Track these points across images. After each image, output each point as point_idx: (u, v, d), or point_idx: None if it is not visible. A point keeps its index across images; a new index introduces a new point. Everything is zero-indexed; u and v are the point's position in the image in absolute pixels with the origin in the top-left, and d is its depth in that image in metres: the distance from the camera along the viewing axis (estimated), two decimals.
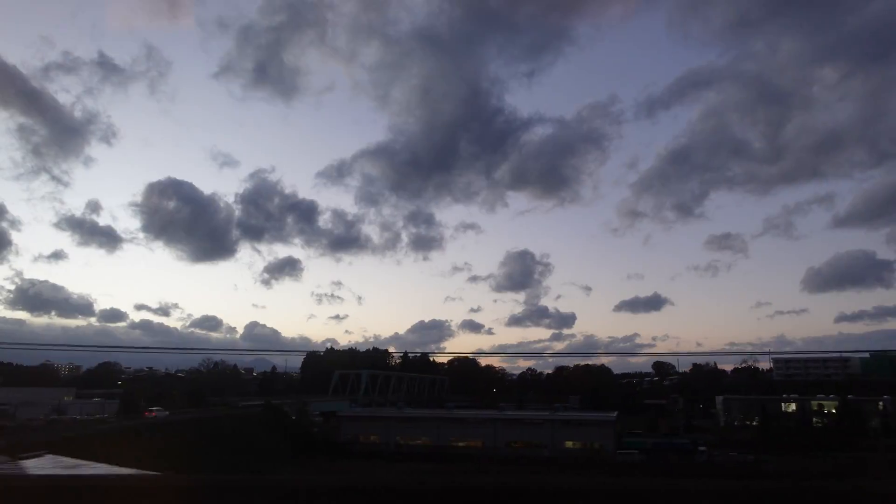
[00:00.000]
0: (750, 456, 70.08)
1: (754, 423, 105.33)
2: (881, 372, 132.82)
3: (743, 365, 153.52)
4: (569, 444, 77.19)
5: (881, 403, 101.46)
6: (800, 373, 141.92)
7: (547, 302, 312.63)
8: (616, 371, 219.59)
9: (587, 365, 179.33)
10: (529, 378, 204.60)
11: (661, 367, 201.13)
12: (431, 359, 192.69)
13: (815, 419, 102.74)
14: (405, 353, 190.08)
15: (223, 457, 61.04)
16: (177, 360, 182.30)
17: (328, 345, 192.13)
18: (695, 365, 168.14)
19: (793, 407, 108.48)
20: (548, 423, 79.57)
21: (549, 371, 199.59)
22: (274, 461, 65.84)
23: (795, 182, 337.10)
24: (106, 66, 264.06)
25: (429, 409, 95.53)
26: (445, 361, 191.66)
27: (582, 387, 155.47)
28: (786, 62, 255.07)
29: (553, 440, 77.55)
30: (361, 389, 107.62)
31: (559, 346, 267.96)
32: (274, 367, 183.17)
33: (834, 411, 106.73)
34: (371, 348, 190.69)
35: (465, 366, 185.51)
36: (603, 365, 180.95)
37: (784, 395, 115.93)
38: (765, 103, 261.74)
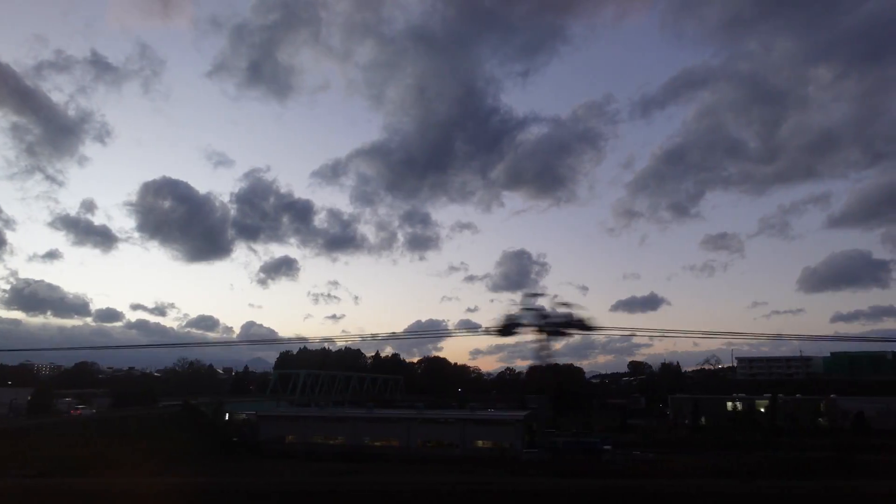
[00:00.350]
0: (650, 454, 69.76)
1: (701, 422, 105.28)
2: (841, 371, 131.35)
3: (706, 365, 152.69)
4: (479, 443, 77.21)
5: (822, 404, 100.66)
6: (763, 372, 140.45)
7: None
8: (611, 370, 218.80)
9: (556, 364, 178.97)
10: (508, 378, 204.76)
11: (637, 367, 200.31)
12: (404, 359, 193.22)
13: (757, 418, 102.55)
14: (376, 353, 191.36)
15: (114, 456, 61.68)
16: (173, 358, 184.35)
17: (325, 344, 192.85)
18: (663, 364, 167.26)
19: (738, 406, 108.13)
20: (459, 423, 79.63)
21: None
22: (173, 461, 66.38)
23: (791, 182, 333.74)
24: (99, 65, 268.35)
25: (348, 409, 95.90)
26: (415, 361, 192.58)
27: (549, 386, 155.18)
28: (780, 62, 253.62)
29: (464, 439, 77.58)
30: (298, 389, 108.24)
31: (556, 345, 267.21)
32: (246, 367, 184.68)
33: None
34: (344, 347, 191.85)
35: (434, 365, 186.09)
36: (571, 364, 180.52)
37: (733, 395, 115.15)
38: (759, 103, 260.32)
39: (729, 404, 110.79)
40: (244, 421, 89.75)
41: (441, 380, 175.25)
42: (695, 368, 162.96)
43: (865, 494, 23.47)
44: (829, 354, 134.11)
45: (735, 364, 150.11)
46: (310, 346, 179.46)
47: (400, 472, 61.88)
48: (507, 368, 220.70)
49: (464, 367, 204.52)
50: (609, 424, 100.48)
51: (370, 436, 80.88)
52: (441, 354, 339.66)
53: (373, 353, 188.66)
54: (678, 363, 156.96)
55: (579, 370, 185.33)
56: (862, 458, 57.09)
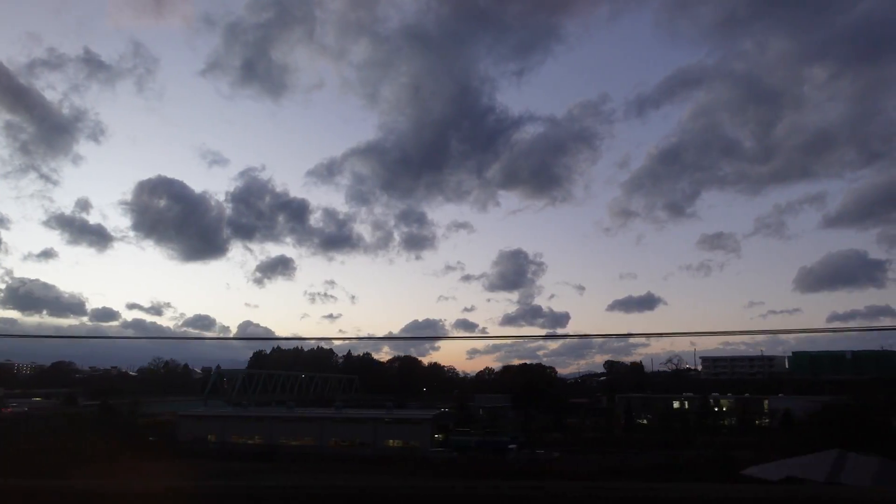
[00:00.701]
0: (556, 454, 69.12)
1: (644, 421, 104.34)
2: (802, 371, 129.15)
3: (669, 365, 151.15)
4: (391, 442, 76.94)
5: (766, 402, 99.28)
6: (725, 371, 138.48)
7: (540, 301, 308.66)
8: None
9: (524, 364, 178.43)
10: (487, 377, 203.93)
11: (613, 367, 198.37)
12: (377, 358, 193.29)
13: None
14: (348, 353, 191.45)
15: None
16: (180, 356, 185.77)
17: (321, 344, 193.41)
18: (632, 364, 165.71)
19: (686, 405, 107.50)
20: (371, 422, 79.41)
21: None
22: (76, 462, 66.83)
23: (786, 182, 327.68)
24: (92, 63, 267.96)
25: (269, 409, 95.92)
26: (385, 361, 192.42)
27: (517, 385, 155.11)
28: (775, 61, 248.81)
29: (376, 439, 77.35)
30: (234, 389, 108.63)
31: (553, 345, 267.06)
32: (218, 366, 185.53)
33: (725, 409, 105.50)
34: (316, 347, 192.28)
35: (406, 365, 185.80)
36: (539, 364, 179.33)
37: (682, 394, 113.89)
38: (754, 103, 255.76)
39: (676, 403, 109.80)
40: (164, 421, 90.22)
41: (412, 379, 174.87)
42: (660, 368, 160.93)
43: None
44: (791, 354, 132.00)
45: (699, 364, 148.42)
46: (307, 346, 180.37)
47: (291, 473, 61.89)
48: (487, 368, 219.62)
49: (438, 367, 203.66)
50: (545, 423, 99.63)
51: (286, 435, 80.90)
52: (438, 354, 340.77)
53: (344, 354, 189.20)
54: (641, 362, 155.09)
55: (552, 370, 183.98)
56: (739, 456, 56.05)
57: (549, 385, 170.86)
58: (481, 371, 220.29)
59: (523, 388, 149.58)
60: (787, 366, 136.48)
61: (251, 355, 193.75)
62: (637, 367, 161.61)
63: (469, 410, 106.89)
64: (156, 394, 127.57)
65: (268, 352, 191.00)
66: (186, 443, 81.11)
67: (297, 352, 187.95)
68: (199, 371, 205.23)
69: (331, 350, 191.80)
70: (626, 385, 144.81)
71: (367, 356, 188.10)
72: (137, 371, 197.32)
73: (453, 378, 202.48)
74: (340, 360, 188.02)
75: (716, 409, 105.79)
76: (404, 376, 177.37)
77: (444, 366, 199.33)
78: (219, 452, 76.61)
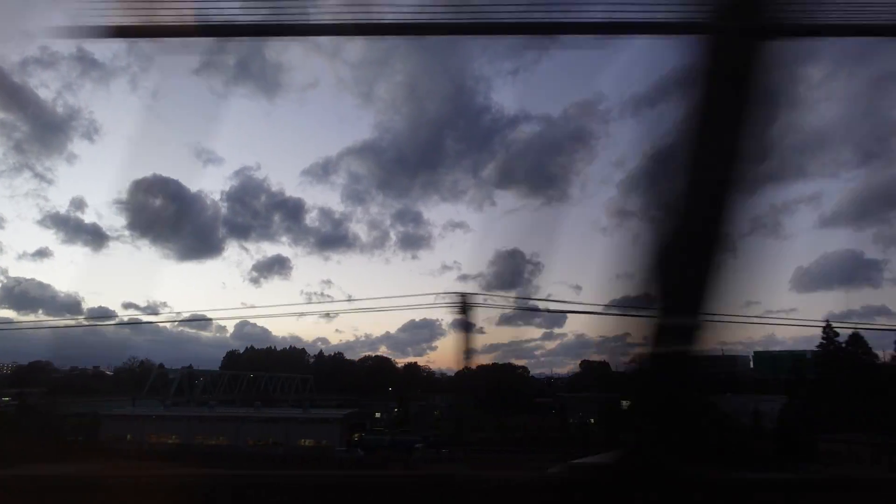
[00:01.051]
0: (460, 453, 68.00)
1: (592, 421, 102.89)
2: (764, 370, 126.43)
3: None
4: (303, 441, 76.15)
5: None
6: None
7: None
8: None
9: (494, 364, 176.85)
10: (468, 376, 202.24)
11: (588, 366, 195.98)
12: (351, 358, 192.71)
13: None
14: (320, 352, 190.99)
15: None
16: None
17: (318, 344, 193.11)
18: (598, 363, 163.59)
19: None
20: (283, 422, 78.61)
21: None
22: None
23: (781, 181, 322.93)
24: (85, 62, 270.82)
25: (192, 409, 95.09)
26: (356, 360, 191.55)
27: (482, 385, 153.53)
28: (769, 60, 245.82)
29: (288, 438, 76.49)
30: (172, 388, 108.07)
31: (550, 345, 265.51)
32: (191, 366, 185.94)
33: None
34: (289, 347, 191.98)
35: (379, 364, 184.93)
36: (509, 363, 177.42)
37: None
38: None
39: (625, 403, 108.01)
40: (84, 420, 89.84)
41: (382, 379, 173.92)
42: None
43: None
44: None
45: None
46: (304, 346, 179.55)
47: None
48: (466, 367, 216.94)
49: (415, 366, 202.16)
50: (509, 423, 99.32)
51: (203, 435, 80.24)
52: (435, 354, 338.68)
53: (316, 353, 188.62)
54: (605, 361, 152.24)
55: (523, 369, 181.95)
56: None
57: (521, 384, 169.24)
58: (461, 371, 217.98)
59: (488, 387, 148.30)
60: (751, 365, 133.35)
61: (224, 354, 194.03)
62: (601, 366, 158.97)
63: (408, 409, 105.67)
64: (129, 393, 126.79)
65: (241, 351, 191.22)
66: (106, 442, 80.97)
67: (270, 351, 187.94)
68: (177, 370, 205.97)
69: (303, 350, 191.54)
70: (592, 384, 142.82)
71: (339, 355, 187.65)
72: (114, 371, 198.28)
73: (429, 377, 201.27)
74: (312, 360, 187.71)
75: None
76: (375, 375, 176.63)
77: (421, 365, 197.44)
78: (135, 452, 76.25)
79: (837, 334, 59.91)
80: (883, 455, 44.72)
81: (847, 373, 54.51)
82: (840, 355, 57.33)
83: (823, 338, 60.15)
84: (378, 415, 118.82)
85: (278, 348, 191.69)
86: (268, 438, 77.76)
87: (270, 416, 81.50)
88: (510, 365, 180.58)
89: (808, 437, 55.15)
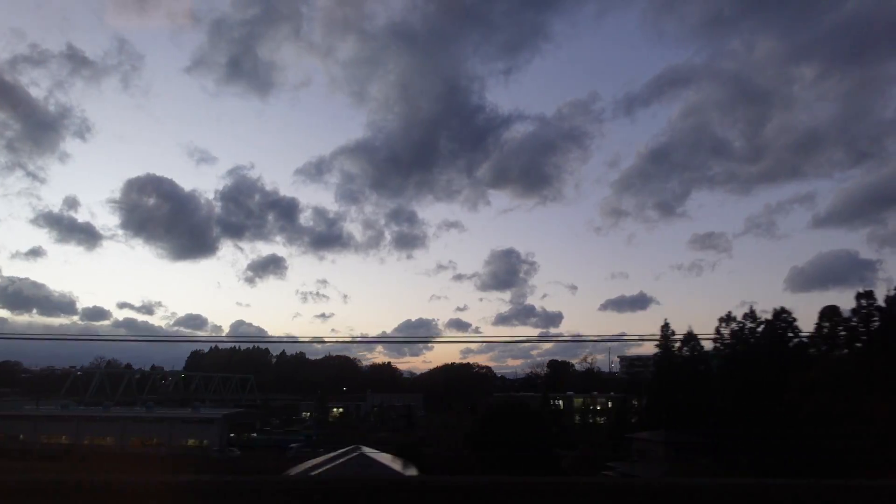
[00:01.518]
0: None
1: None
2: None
3: (582, 363, 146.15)
4: (186, 441, 74.17)
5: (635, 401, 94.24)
6: (642, 370, 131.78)
7: (533, 301, 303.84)
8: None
9: (452, 364, 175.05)
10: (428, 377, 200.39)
11: (557, 366, 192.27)
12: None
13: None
14: (282, 352, 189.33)
15: None
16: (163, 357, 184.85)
17: (314, 344, 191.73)
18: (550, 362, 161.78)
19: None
20: (167, 422, 76.64)
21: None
22: None
23: (776, 181, 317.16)
24: (76, 59, 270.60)
25: (83, 410, 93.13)
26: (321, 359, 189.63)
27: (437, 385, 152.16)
28: (763, 60, 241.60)
29: (171, 438, 74.55)
30: (91, 389, 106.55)
31: (547, 344, 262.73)
32: (153, 366, 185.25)
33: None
34: (253, 347, 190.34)
35: (341, 364, 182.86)
36: (467, 363, 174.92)
37: (566, 394, 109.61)
38: (743, 102, 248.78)
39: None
40: None
41: (343, 378, 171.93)
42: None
43: None
44: None
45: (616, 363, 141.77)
46: (300, 347, 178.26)
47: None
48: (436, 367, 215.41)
49: (385, 367, 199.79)
50: (396, 425, 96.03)
51: (91, 434, 78.51)
52: (431, 354, 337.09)
53: (278, 353, 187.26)
54: (569, 361, 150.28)
55: (487, 369, 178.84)
56: None
57: (483, 384, 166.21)
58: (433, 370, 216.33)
59: (443, 387, 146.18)
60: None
61: (188, 355, 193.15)
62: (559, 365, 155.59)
63: (326, 409, 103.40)
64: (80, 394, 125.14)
65: (206, 351, 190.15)
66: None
67: (233, 351, 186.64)
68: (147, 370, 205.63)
69: (266, 350, 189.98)
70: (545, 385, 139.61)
71: (301, 355, 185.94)
72: (81, 370, 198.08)
73: (398, 378, 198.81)
74: (274, 360, 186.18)
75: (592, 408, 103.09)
76: (335, 375, 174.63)
77: (399, 367, 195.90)
78: (21, 452, 74.62)
79: (674, 333, 60.52)
80: (679, 453, 43.41)
81: (678, 375, 53.21)
82: (675, 359, 55.85)
83: (661, 342, 58.61)
84: (306, 414, 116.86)
85: (241, 349, 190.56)
86: (152, 438, 75.77)
87: (156, 417, 79.56)
88: (466, 365, 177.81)
89: (625, 437, 57.97)
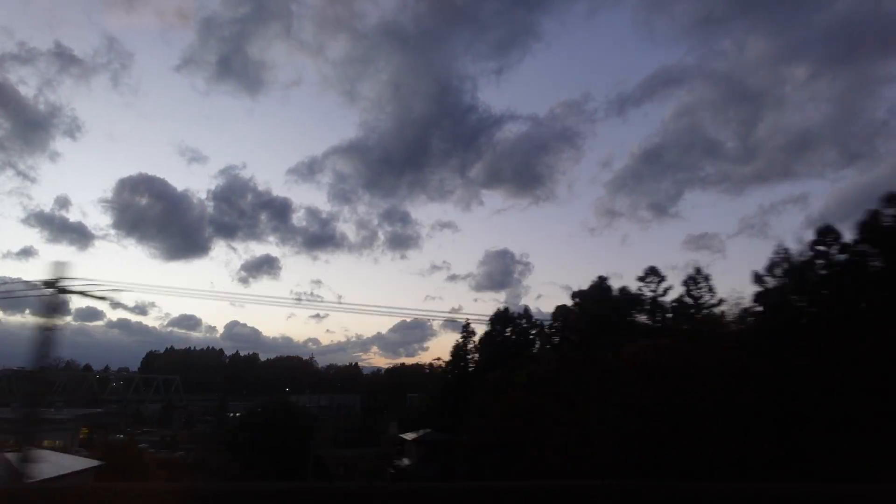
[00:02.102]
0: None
1: None
2: None
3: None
4: (42, 442, 70.36)
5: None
6: None
7: (528, 301, 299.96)
8: None
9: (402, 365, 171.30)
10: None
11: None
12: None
13: None
14: (236, 352, 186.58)
15: None
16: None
17: (310, 344, 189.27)
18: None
19: None
20: (21, 423, 72.82)
21: None
22: None
23: (769, 182, 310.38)
24: (64, 58, 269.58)
25: None
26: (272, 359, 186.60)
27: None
28: (755, 61, 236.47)
29: (27, 439, 70.71)
30: None
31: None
32: (107, 367, 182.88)
33: None
34: (207, 347, 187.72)
35: (291, 365, 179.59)
36: (417, 364, 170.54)
37: None
38: (735, 102, 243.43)
39: None
40: None
41: (291, 380, 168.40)
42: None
43: None
44: None
45: None
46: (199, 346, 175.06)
47: None
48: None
49: (350, 368, 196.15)
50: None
51: None
52: (427, 354, 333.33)
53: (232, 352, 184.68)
54: None
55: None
56: None
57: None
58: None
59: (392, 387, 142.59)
60: None
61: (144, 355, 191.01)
62: None
63: (225, 410, 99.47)
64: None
65: (161, 351, 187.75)
66: None
67: (188, 351, 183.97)
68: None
69: (221, 350, 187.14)
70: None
71: (255, 355, 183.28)
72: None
73: (356, 379, 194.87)
74: (227, 360, 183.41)
75: None
76: (283, 376, 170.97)
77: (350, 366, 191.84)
78: None
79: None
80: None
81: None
82: None
83: None
84: (235, 414, 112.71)
85: (197, 349, 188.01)
86: (8, 439, 72.17)
87: (10, 419, 75.94)
88: (416, 366, 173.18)
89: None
